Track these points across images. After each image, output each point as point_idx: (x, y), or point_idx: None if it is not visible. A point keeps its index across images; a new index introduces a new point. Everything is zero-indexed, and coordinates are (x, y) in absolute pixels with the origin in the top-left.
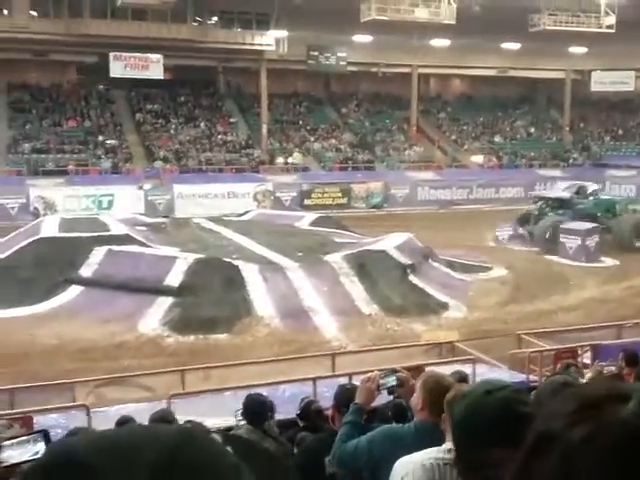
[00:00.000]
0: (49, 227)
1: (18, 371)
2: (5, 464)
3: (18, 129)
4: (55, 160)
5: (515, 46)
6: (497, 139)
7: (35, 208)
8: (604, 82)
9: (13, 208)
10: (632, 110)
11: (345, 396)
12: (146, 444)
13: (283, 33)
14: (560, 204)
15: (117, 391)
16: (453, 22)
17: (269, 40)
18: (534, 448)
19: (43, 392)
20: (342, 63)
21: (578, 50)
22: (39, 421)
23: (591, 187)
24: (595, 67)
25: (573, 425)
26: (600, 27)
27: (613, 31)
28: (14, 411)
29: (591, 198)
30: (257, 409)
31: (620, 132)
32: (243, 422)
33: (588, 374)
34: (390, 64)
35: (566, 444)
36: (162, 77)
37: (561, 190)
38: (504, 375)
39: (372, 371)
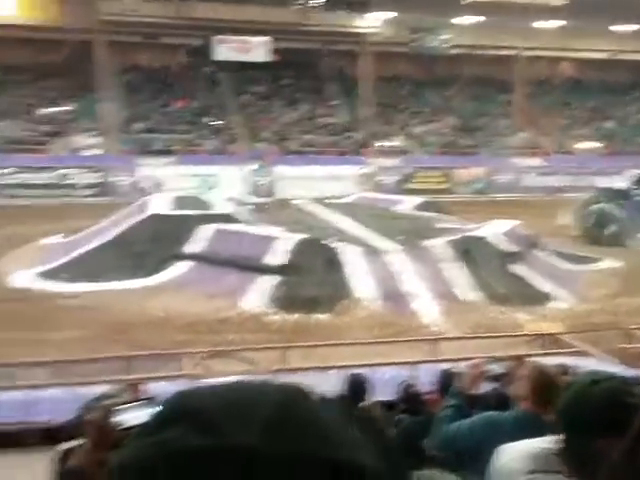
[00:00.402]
0: (158, 205)
1: (129, 340)
2: (122, 427)
3: (130, 109)
4: (164, 140)
5: (626, 28)
6: (607, 125)
7: (144, 186)
8: None
9: (124, 186)
10: None
11: (447, 381)
12: (260, 399)
13: (386, 15)
14: (616, 195)
15: (222, 364)
16: (561, 3)
17: (372, 23)
18: None
19: (152, 361)
20: (445, 45)
21: None
22: (149, 388)
23: None
24: None
25: None
26: None
27: None
28: (127, 377)
29: None
30: (358, 388)
31: None
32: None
33: None
34: (495, 46)
35: None
36: (265, 60)
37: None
38: (614, 369)
39: (474, 358)
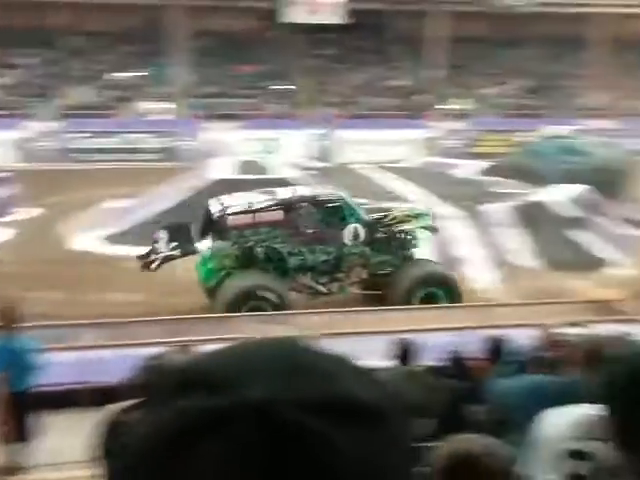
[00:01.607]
0: (217, 169)
1: (180, 304)
2: None
3: (199, 74)
4: (230, 104)
5: None
6: None
7: (209, 150)
8: None
9: (189, 150)
10: None
11: (495, 347)
12: (261, 353)
13: None
14: None
15: (278, 329)
16: None
17: None
18: None
19: (203, 324)
20: (520, 3)
21: None
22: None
23: None
24: None
25: None
26: None
27: None
28: (179, 339)
29: None
30: (407, 353)
31: None
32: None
33: None
34: (571, 4)
35: None
36: (333, 22)
37: None
38: None
39: (526, 325)
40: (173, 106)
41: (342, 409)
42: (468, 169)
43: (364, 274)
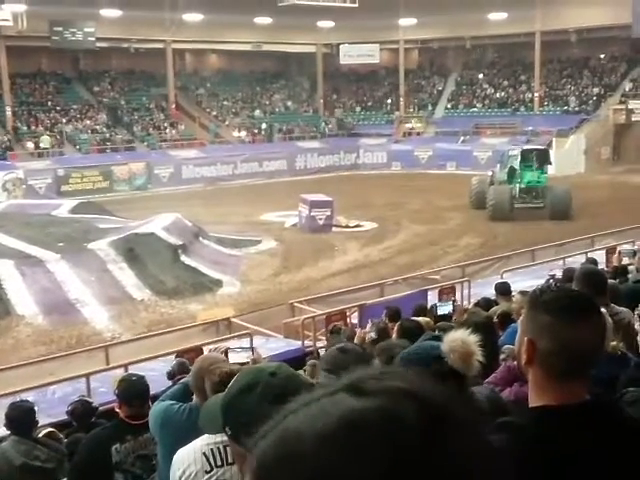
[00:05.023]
0: None
1: None
2: None
3: None
4: None
5: (267, 21)
6: (257, 113)
7: None
8: (352, 55)
9: None
10: (378, 81)
11: (129, 388)
12: None
13: (20, 7)
14: None
15: None
16: None
17: (5, 15)
18: None
19: None
20: (90, 39)
21: (326, 24)
22: None
23: None
24: (343, 41)
25: None
26: (344, 2)
27: (356, 5)
28: None
29: None
30: (22, 418)
31: (369, 103)
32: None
33: (356, 339)
34: (142, 39)
35: None
36: None
37: None
38: (281, 344)
39: (152, 358)
40: None
41: None
42: (62, 209)
43: None
